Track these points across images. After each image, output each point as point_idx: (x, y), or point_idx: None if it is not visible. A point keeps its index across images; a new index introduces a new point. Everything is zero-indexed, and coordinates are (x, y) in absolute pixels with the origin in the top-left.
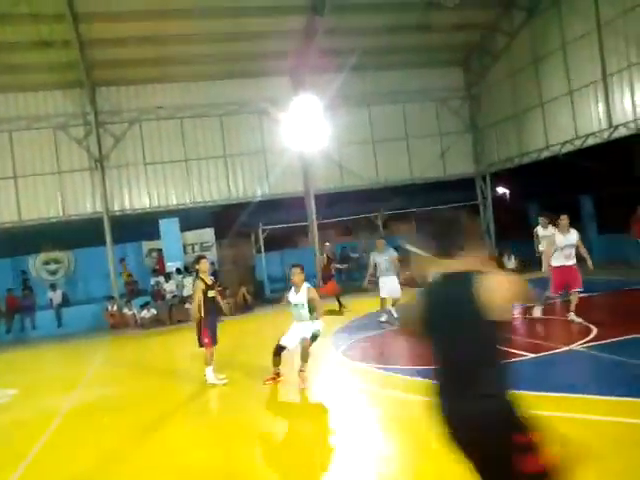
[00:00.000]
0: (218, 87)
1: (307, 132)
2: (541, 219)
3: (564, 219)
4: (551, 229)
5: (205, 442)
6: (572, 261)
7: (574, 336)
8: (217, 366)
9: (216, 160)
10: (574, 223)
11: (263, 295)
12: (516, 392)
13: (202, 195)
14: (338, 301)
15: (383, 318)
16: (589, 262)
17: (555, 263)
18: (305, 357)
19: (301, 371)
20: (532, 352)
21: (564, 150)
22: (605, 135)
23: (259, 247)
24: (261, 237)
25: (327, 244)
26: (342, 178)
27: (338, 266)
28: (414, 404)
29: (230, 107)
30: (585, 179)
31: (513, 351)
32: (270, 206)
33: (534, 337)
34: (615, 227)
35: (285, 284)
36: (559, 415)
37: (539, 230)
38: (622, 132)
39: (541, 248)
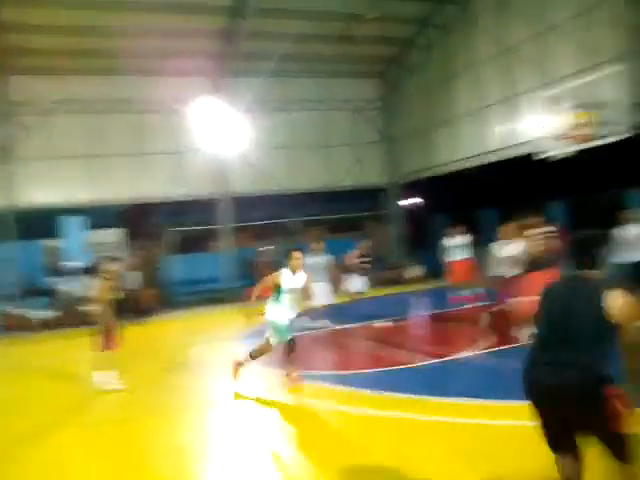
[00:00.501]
0: (135, 83)
1: (224, 134)
2: (448, 230)
3: (503, 229)
4: (459, 239)
5: (96, 454)
6: (516, 271)
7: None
8: (114, 371)
9: (130, 158)
10: (476, 235)
11: (170, 299)
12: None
13: (114, 193)
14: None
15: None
16: None
17: (499, 273)
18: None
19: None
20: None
21: (468, 165)
22: (508, 152)
23: (168, 249)
24: (169, 239)
25: (269, 248)
26: (259, 182)
27: None
28: (318, 410)
29: (146, 105)
30: (489, 194)
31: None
32: (184, 208)
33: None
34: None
35: (192, 287)
36: (462, 421)
37: (446, 241)
38: (522, 150)
39: (447, 259)
